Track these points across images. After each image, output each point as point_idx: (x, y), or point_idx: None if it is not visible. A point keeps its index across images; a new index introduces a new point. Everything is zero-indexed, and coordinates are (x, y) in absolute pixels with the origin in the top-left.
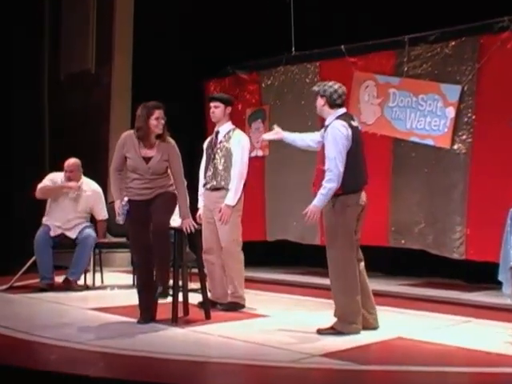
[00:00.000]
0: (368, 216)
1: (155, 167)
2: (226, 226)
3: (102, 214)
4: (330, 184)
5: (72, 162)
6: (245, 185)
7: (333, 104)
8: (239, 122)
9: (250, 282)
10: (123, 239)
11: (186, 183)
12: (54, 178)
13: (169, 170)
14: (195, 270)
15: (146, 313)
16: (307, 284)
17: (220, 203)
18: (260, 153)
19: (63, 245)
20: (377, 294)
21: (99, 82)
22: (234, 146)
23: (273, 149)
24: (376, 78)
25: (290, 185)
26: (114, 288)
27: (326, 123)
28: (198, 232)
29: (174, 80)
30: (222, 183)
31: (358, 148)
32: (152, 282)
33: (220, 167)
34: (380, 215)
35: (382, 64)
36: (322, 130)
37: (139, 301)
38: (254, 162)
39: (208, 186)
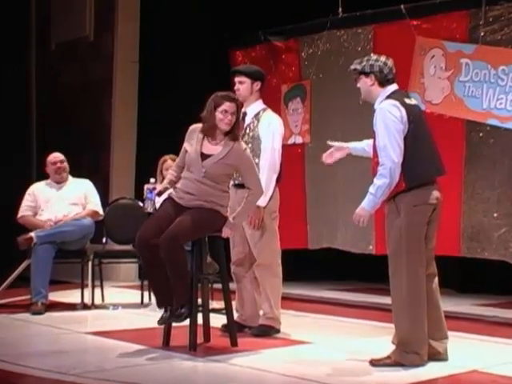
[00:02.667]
0: None
1: (211, 169)
2: (257, 233)
3: (96, 206)
4: (380, 180)
5: (57, 154)
6: (278, 179)
7: (383, 81)
8: (272, 102)
9: (287, 301)
10: (129, 247)
11: (271, 179)
12: (37, 196)
13: (231, 188)
14: (218, 285)
15: (164, 297)
16: (359, 303)
17: None
18: (299, 139)
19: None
20: (446, 315)
21: (99, 53)
22: (263, 130)
23: (316, 135)
24: (444, 46)
25: (337, 180)
26: (117, 307)
27: (375, 106)
28: (222, 238)
29: (192, 50)
30: None
31: (421, 129)
32: (159, 260)
33: None
34: (450, 218)
35: (451, 28)
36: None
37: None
38: (291, 150)
39: (232, 181)
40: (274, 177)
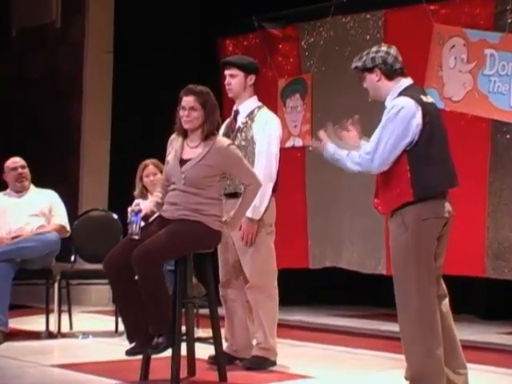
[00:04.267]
0: (455, 234)
1: (191, 173)
2: (250, 249)
3: (63, 220)
4: (354, 165)
5: (17, 158)
6: (275, 188)
7: (390, 72)
8: (268, 98)
9: (285, 328)
10: (101, 266)
11: (267, 189)
12: None
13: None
14: (205, 310)
15: (135, 333)
16: (367, 331)
17: None
18: (299, 142)
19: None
20: (467, 345)
21: (67, 41)
22: (258, 131)
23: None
24: (466, 35)
25: (342, 189)
26: (88, 336)
27: (386, 103)
28: (209, 255)
29: (175, 38)
30: (241, 186)
31: (437, 132)
32: (129, 284)
33: None
34: (472, 233)
35: (474, 14)
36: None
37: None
38: (289, 154)
39: (222, 190)
40: (270, 185)
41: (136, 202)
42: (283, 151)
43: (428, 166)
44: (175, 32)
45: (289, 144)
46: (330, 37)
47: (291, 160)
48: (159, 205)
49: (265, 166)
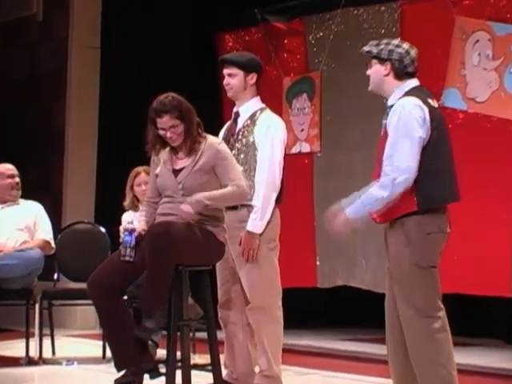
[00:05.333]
0: (479, 252)
1: (188, 181)
2: (252, 267)
3: (47, 235)
4: (378, 191)
5: (10, 165)
6: (279, 199)
7: (401, 73)
8: (272, 99)
9: (290, 354)
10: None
11: (270, 199)
12: None
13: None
14: (202, 334)
15: (125, 361)
16: (379, 357)
17: (240, 229)
18: (306, 147)
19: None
20: (490, 373)
21: (50, 37)
22: (260, 135)
23: (327, 141)
24: (491, 28)
25: None
26: (72, 362)
27: (390, 103)
28: (208, 273)
29: (168, 33)
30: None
31: (443, 140)
32: (115, 306)
33: None
34: (498, 249)
35: (500, 5)
36: (384, 121)
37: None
38: (295, 161)
39: None
40: (274, 196)
41: (128, 218)
42: (289, 158)
43: (433, 175)
44: (169, 26)
45: (295, 150)
46: (341, 31)
47: (298, 167)
48: (149, 223)
49: (267, 173)
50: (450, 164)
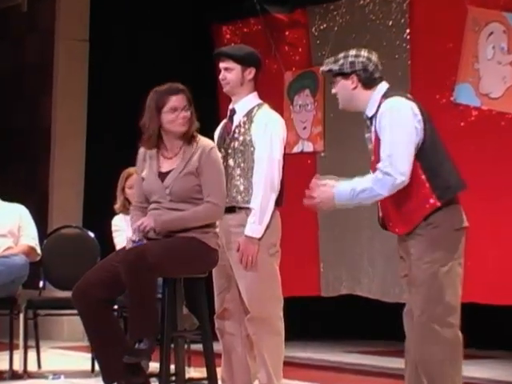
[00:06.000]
0: (498, 258)
1: (176, 186)
2: (250, 274)
3: (33, 241)
4: (379, 190)
5: None
6: (279, 201)
7: (369, 82)
8: (272, 95)
9: (292, 367)
10: None
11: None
12: None
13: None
14: (198, 346)
15: (113, 375)
16: (386, 370)
17: (238, 234)
18: (309, 146)
19: None
20: None
21: (35, 28)
22: (258, 133)
23: (331, 140)
24: (507, 19)
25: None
26: (59, 376)
27: (370, 113)
28: (203, 281)
29: (162, 24)
30: (239, 198)
31: (435, 132)
32: (102, 317)
33: (236, 171)
34: None
35: None
36: (367, 135)
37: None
38: (297, 161)
39: None
40: (273, 197)
41: (118, 222)
42: (290, 157)
43: (440, 168)
44: (162, 17)
45: (297, 149)
46: (346, 22)
47: (300, 168)
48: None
49: (266, 174)
50: (448, 153)
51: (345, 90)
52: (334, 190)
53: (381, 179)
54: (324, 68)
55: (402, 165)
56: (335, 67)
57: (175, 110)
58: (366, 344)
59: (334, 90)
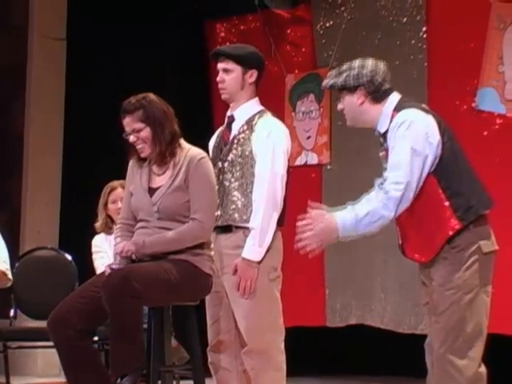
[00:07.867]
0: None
1: (164, 202)
2: (248, 302)
3: (3, 265)
4: (385, 212)
5: None
6: (281, 220)
7: (378, 95)
8: (272, 101)
9: None
10: None
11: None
12: None
13: None
14: (188, 382)
15: None
16: None
17: (235, 257)
18: (313, 158)
19: None
20: None
21: (6, 24)
22: (259, 144)
23: (338, 151)
24: None
25: None
26: None
27: (382, 129)
28: (194, 309)
29: (149, 21)
30: (236, 217)
31: (456, 144)
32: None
33: (233, 186)
34: None
35: None
36: (381, 153)
37: None
38: (301, 175)
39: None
40: (275, 216)
41: (99, 243)
42: (292, 170)
43: (462, 183)
44: (149, 14)
45: (300, 161)
46: (355, 19)
47: (303, 182)
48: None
49: (267, 190)
50: (471, 168)
51: (351, 106)
52: (336, 219)
53: (383, 198)
54: (327, 82)
55: (405, 180)
56: (338, 81)
57: (128, 134)
58: (379, 380)
59: (340, 106)
